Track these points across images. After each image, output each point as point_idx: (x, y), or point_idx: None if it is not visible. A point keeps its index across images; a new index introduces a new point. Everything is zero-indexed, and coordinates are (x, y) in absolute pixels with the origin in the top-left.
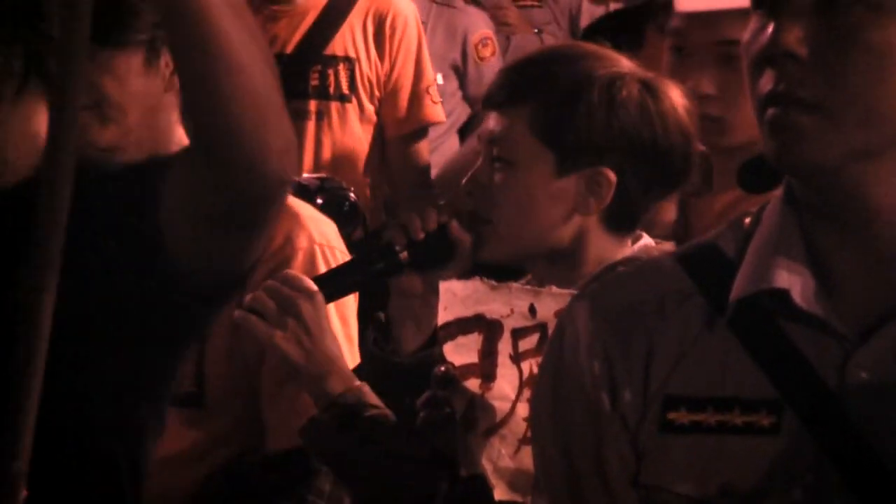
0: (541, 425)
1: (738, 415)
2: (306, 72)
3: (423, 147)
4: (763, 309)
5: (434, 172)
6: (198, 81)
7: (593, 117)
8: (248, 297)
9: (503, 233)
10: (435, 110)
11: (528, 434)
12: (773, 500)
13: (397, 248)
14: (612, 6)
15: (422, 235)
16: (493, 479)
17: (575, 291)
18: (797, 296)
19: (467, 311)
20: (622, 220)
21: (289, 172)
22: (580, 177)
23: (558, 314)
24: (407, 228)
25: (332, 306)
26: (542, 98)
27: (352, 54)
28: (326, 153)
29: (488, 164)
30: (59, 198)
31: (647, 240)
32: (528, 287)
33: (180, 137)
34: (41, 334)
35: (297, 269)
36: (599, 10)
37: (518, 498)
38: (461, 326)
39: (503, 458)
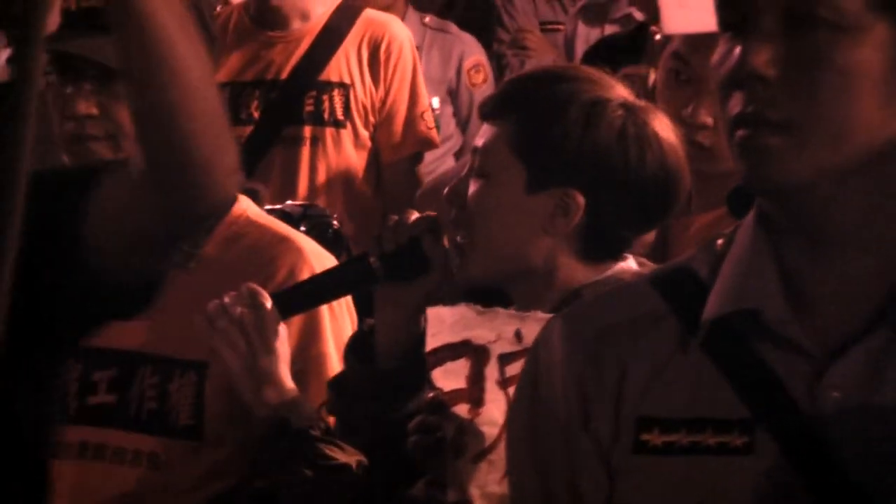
0: (515, 447)
1: (711, 435)
2: (301, 98)
3: (419, 171)
4: (736, 329)
5: None
6: (154, 102)
7: (567, 137)
8: (208, 305)
9: (477, 246)
10: (429, 135)
11: None
12: None
13: (371, 259)
14: (608, 29)
15: (392, 247)
16: None
17: None
18: (769, 316)
19: (455, 337)
20: (595, 246)
21: (231, 197)
22: (549, 196)
23: None
24: (379, 240)
25: (326, 314)
26: (523, 113)
27: (347, 80)
28: (321, 179)
29: (469, 175)
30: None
31: (628, 263)
32: (514, 312)
33: None
34: None
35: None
36: (595, 33)
37: None
38: (449, 352)
39: (490, 483)
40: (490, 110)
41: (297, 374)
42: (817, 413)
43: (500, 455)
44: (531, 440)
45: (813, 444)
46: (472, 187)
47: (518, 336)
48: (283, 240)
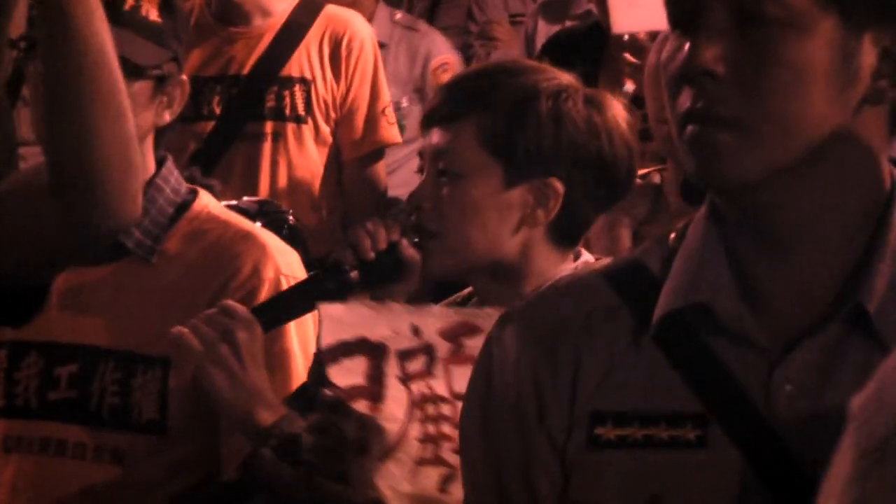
0: (469, 445)
1: (665, 429)
2: (262, 93)
3: (380, 168)
4: (688, 324)
5: (396, 193)
6: (68, 118)
7: (542, 128)
8: (191, 321)
9: (451, 245)
10: (391, 132)
11: (424, 455)
12: None
13: (346, 267)
14: (569, 25)
15: (372, 255)
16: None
17: (457, 309)
18: (721, 310)
19: (349, 335)
20: (567, 233)
21: (134, 218)
22: (529, 188)
23: (442, 333)
24: (356, 248)
25: (292, 326)
26: (489, 109)
27: (308, 76)
28: (282, 175)
29: (433, 178)
30: None
31: (587, 256)
32: (408, 307)
33: (150, 171)
34: None
35: (263, 299)
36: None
37: None
38: (344, 350)
39: (401, 481)
40: (444, 112)
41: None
42: (770, 406)
43: (406, 452)
44: (485, 436)
45: (766, 437)
46: (444, 189)
47: (415, 331)
48: (247, 236)
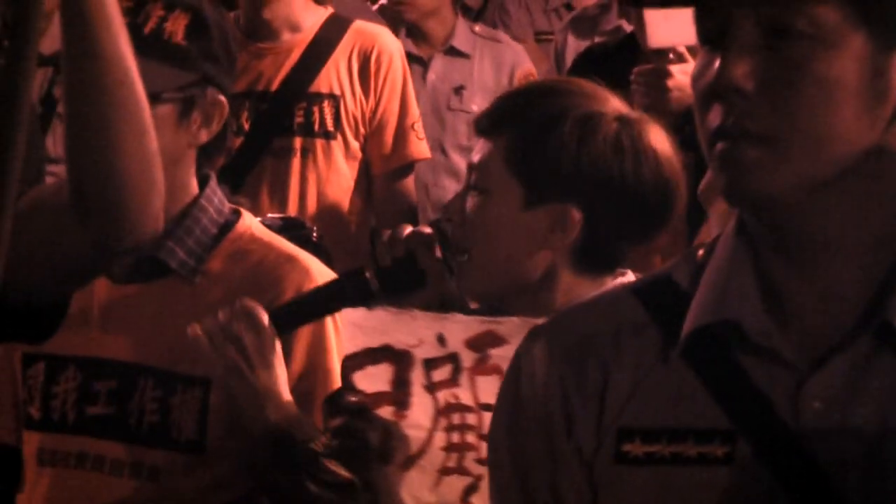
0: (497, 458)
1: (692, 445)
2: (291, 109)
3: (409, 183)
4: (716, 340)
5: None
6: (93, 134)
7: (563, 152)
8: (204, 321)
9: (476, 262)
10: (420, 147)
11: (448, 465)
12: None
13: (367, 274)
14: (598, 41)
15: (388, 262)
16: None
17: (482, 318)
18: (749, 327)
19: (373, 342)
20: (594, 260)
21: (155, 236)
22: (546, 212)
23: (468, 343)
24: (375, 255)
25: (330, 326)
26: (517, 129)
27: (337, 91)
28: (311, 190)
29: (465, 191)
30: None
31: (627, 277)
32: (433, 314)
33: (192, 190)
34: None
35: (305, 330)
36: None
37: None
38: (369, 357)
39: (423, 490)
40: (484, 126)
41: (304, 392)
42: (798, 423)
43: (430, 461)
44: (513, 450)
45: (794, 455)
46: (470, 203)
47: (441, 340)
48: (290, 259)
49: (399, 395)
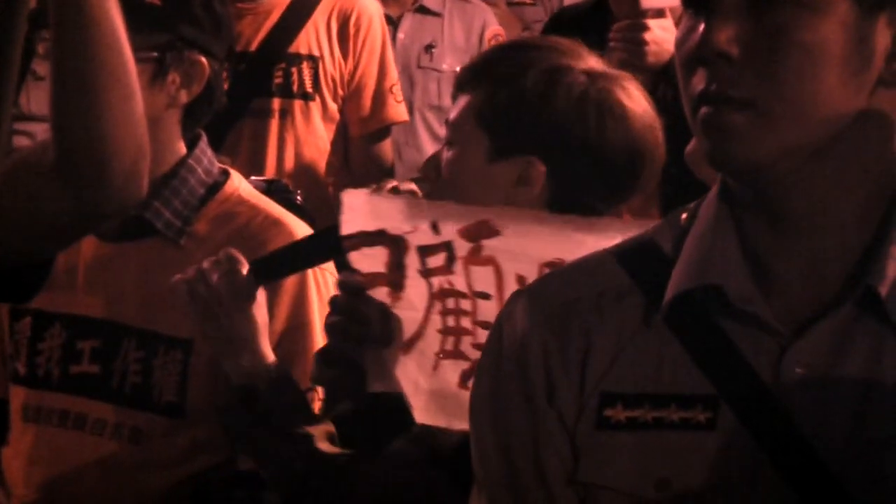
0: (479, 422)
1: (675, 411)
2: (270, 70)
3: (386, 146)
4: (699, 305)
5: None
6: (80, 94)
7: (525, 104)
8: (185, 272)
9: None
10: (398, 109)
11: (446, 348)
12: (711, 495)
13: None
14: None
15: None
16: (413, 400)
17: (476, 208)
18: (732, 292)
19: (369, 226)
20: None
21: (140, 199)
22: (511, 165)
23: (462, 232)
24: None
25: (311, 285)
26: (486, 84)
27: (315, 52)
28: (289, 151)
29: (443, 147)
30: None
31: None
32: (429, 202)
33: (179, 150)
34: None
35: (288, 288)
36: None
37: (440, 420)
38: (365, 239)
39: (421, 375)
40: (462, 81)
41: (288, 350)
42: (781, 389)
43: (427, 345)
44: (494, 413)
45: (776, 420)
46: (444, 158)
47: (434, 228)
48: (276, 222)
49: (394, 276)
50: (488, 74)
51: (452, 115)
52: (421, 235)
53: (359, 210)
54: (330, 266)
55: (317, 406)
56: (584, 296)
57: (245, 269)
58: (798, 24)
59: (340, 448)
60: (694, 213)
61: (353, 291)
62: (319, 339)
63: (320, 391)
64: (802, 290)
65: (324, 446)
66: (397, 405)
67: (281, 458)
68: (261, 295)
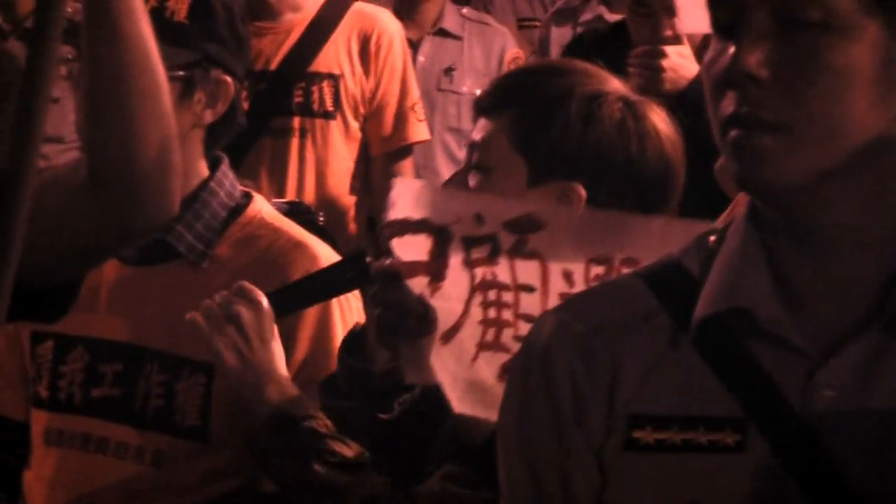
0: (507, 441)
1: (703, 433)
2: (290, 89)
3: (408, 165)
4: (727, 327)
5: None
6: (112, 113)
7: (568, 130)
8: (203, 303)
9: None
10: (420, 129)
11: (486, 339)
12: None
13: (368, 258)
14: (579, 30)
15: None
16: (450, 391)
17: (522, 201)
18: (760, 315)
19: (414, 214)
20: None
21: (171, 217)
22: (551, 189)
23: (507, 224)
24: (377, 239)
25: (336, 312)
26: (521, 107)
27: (336, 71)
28: (310, 170)
29: (466, 170)
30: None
31: None
32: (474, 194)
33: (201, 172)
34: None
35: (311, 315)
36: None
37: (478, 411)
38: (408, 227)
39: (460, 366)
40: (487, 105)
41: (308, 379)
42: (810, 412)
43: (466, 336)
44: (522, 433)
45: (805, 443)
46: (472, 181)
47: (479, 219)
48: (298, 245)
49: (435, 266)
50: (522, 97)
51: (478, 136)
52: (465, 226)
53: (406, 198)
54: (354, 292)
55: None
56: (612, 318)
57: (263, 301)
58: (827, 47)
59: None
60: (722, 235)
61: (389, 279)
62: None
63: None
64: (831, 313)
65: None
66: (435, 397)
67: (322, 485)
68: (274, 326)
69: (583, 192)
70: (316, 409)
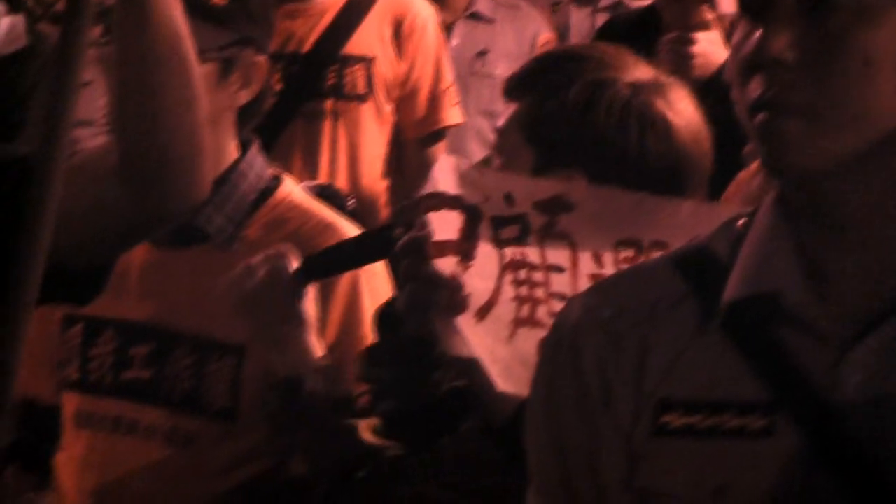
0: (535, 427)
1: (732, 417)
2: (323, 71)
3: (441, 149)
4: (756, 311)
5: None
6: (142, 95)
7: (567, 117)
8: (236, 270)
9: None
10: (453, 112)
11: (521, 315)
12: (767, 502)
13: (397, 230)
14: (599, 17)
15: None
16: (491, 369)
17: (554, 182)
18: (789, 299)
19: (451, 189)
20: None
21: (201, 201)
22: (554, 177)
23: (537, 205)
24: (405, 213)
25: (364, 284)
26: (531, 95)
27: (369, 54)
28: (342, 154)
29: (492, 154)
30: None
31: None
32: (503, 174)
33: (232, 153)
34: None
35: (341, 291)
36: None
37: (522, 389)
38: (444, 201)
39: (498, 343)
40: (508, 90)
41: (339, 347)
42: (838, 396)
43: (502, 312)
44: (551, 421)
45: (834, 427)
46: (494, 166)
47: (508, 199)
48: (328, 227)
49: (465, 245)
50: (534, 84)
51: (500, 122)
52: (495, 206)
53: (445, 173)
54: (381, 268)
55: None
56: (639, 302)
57: (293, 265)
58: (854, 30)
59: (387, 441)
60: (750, 219)
61: (417, 252)
62: (372, 338)
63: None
64: (860, 297)
65: (368, 438)
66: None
67: (323, 450)
68: (311, 292)
69: (583, 182)
70: (334, 375)
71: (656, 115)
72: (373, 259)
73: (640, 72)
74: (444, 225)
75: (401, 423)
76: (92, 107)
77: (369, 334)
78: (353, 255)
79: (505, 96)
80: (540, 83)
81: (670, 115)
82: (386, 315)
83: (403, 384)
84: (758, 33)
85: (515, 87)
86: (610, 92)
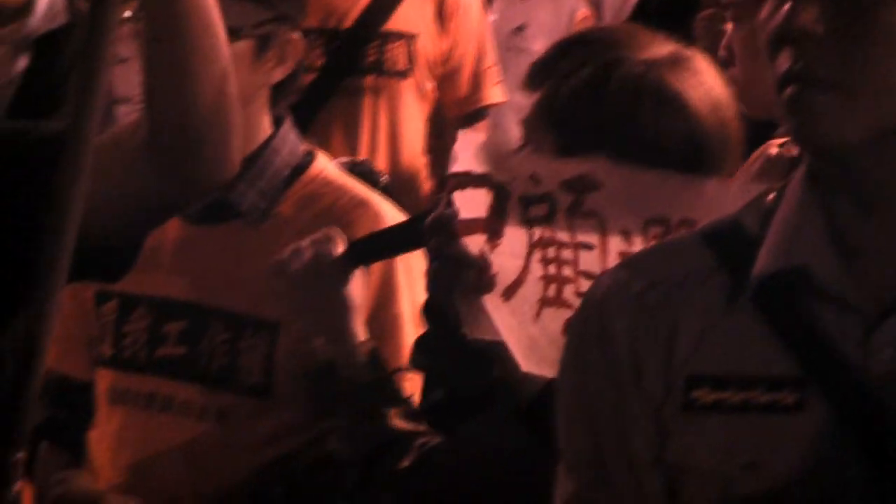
0: (565, 402)
1: (762, 393)
2: (363, 47)
3: (482, 128)
4: (785, 286)
5: None
6: (173, 67)
7: (581, 101)
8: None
9: None
10: (495, 91)
11: (548, 295)
12: (799, 476)
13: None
14: None
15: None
16: (515, 348)
17: (580, 161)
18: (818, 273)
19: (478, 167)
20: None
21: (230, 177)
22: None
23: (563, 184)
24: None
25: (402, 275)
26: (550, 80)
27: (411, 31)
28: (382, 130)
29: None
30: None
31: None
32: (529, 156)
33: (265, 130)
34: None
35: (375, 271)
36: None
37: (544, 368)
38: (472, 180)
39: (525, 323)
40: (527, 83)
41: (374, 330)
42: (869, 370)
43: (528, 291)
44: (580, 393)
45: (865, 402)
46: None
47: (534, 179)
48: (361, 203)
49: (493, 223)
50: (549, 73)
51: (525, 111)
52: (522, 185)
53: (469, 151)
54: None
55: (407, 386)
56: (669, 277)
57: (339, 249)
58: (883, 3)
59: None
60: (780, 194)
61: (443, 230)
62: (407, 322)
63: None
64: (889, 271)
65: (399, 424)
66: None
67: (355, 434)
68: (359, 275)
69: (605, 161)
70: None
71: (669, 92)
72: (419, 245)
73: (656, 48)
74: (472, 203)
75: (448, 413)
76: (130, 83)
77: (403, 312)
78: (400, 239)
79: (526, 89)
80: (555, 70)
81: (685, 90)
82: (431, 305)
83: (450, 372)
84: (787, 6)
85: (533, 78)
86: (622, 70)
